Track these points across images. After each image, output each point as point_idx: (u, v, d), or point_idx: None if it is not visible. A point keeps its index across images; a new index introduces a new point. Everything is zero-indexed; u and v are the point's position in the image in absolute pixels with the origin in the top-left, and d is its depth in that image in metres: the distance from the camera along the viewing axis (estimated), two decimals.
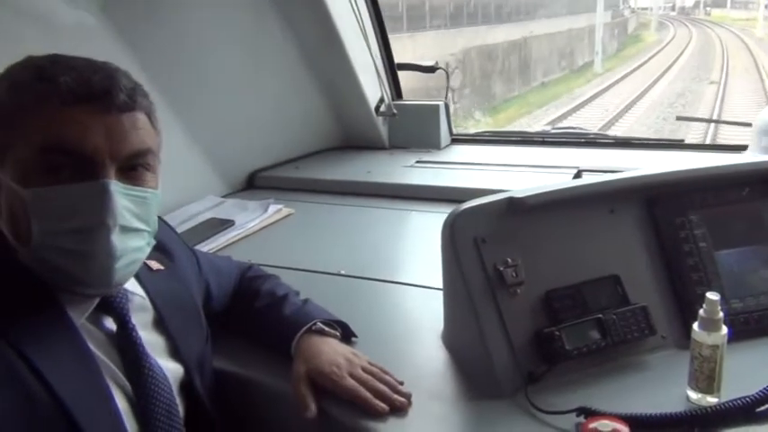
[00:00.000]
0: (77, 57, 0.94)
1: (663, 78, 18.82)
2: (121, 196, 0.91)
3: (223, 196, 2.31)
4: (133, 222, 0.93)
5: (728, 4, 47.65)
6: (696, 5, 55.41)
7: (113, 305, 1.00)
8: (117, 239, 0.90)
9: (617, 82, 18.65)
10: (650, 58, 23.43)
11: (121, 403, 0.95)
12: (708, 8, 52.08)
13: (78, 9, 1.81)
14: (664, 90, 17.21)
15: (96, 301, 0.97)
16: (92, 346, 0.94)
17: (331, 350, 1.18)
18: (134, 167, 0.94)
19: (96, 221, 0.89)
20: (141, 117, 0.95)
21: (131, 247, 0.94)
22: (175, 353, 1.09)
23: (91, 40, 1.83)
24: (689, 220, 1.30)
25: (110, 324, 0.99)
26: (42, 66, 0.91)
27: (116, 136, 0.91)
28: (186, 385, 1.10)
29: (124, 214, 0.91)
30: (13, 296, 0.90)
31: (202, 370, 1.14)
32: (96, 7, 1.85)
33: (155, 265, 1.13)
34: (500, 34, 18.68)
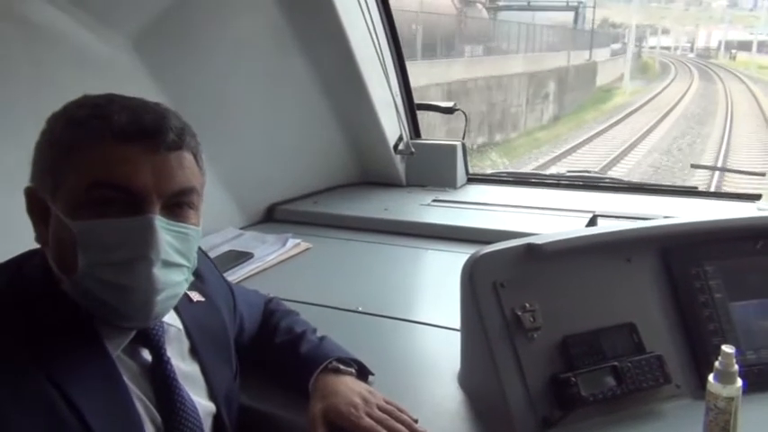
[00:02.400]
0: (132, 97, 0.99)
1: None
2: (165, 231, 0.94)
3: (242, 228, 2.34)
4: (175, 257, 0.96)
5: (754, 48, 41.55)
6: (720, 47, 49.25)
7: (150, 337, 1.02)
8: (159, 273, 0.94)
9: None
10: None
11: None
12: (733, 51, 46.55)
13: (111, 46, 1.87)
14: None
15: (133, 332, 1.00)
16: (126, 378, 0.97)
17: (347, 389, 1.20)
18: (178, 204, 0.98)
19: (140, 255, 0.92)
20: (188, 156, 0.99)
21: (172, 281, 0.97)
22: (206, 386, 1.11)
23: (122, 76, 1.89)
24: (704, 270, 1.32)
25: (145, 355, 1.02)
26: (98, 104, 0.96)
27: (163, 174, 0.94)
28: (215, 420, 1.12)
29: (167, 249, 0.94)
30: (54, 325, 0.93)
31: (230, 405, 1.16)
32: (129, 44, 1.91)
33: (195, 296, 1.15)
34: None
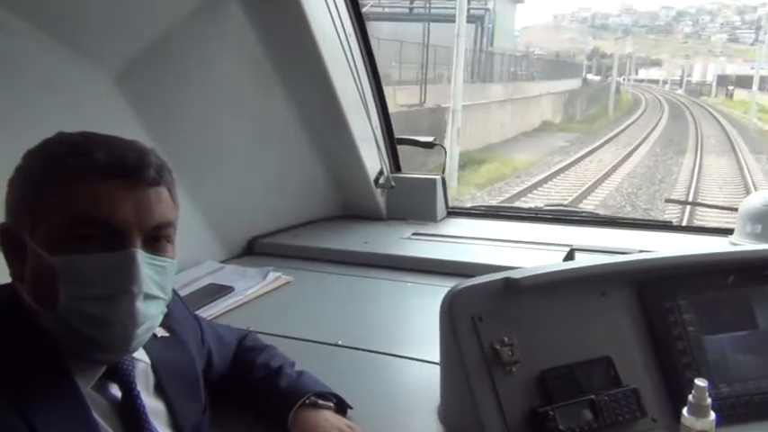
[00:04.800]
0: (107, 134, 1.00)
1: None
2: (146, 265, 0.95)
3: (222, 262, 2.34)
4: (154, 290, 0.97)
5: (755, 85, 31.55)
6: (721, 81, 41.50)
7: (120, 372, 1.02)
8: (141, 306, 0.94)
9: None
10: None
11: None
12: (730, 87, 39.80)
13: (94, 80, 1.89)
14: None
15: (104, 368, 1.00)
16: (95, 414, 0.96)
17: (327, 424, 1.21)
18: (157, 238, 0.99)
19: (124, 289, 0.93)
20: (165, 192, 1.00)
21: (151, 314, 0.97)
22: (174, 422, 1.10)
23: (104, 110, 1.91)
24: (678, 304, 1.35)
25: (115, 391, 1.01)
26: (77, 141, 0.97)
27: (144, 209, 0.96)
28: None
29: (148, 282, 0.95)
30: (25, 360, 0.93)
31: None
32: (111, 79, 1.93)
33: (159, 331, 1.14)
34: None
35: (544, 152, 18.57)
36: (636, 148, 18.97)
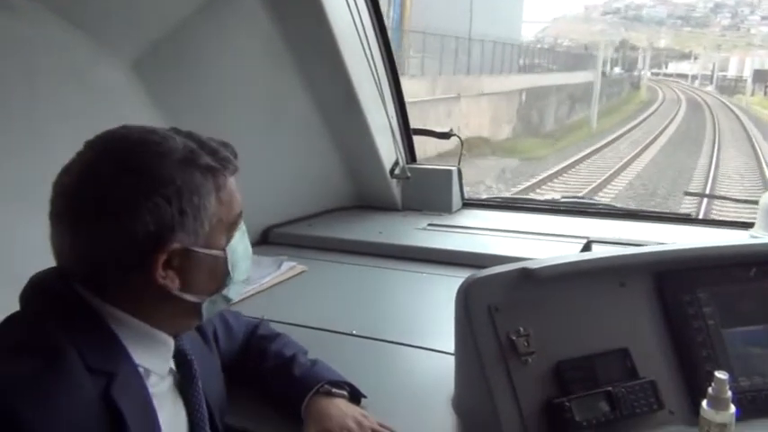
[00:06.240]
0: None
1: None
2: None
3: None
4: None
5: None
6: (758, 77, 36.40)
7: (183, 351, 1.09)
8: None
9: None
10: None
11: None
12: None
13: (110, 67, 1.89)
14: None
15: (172, 349, 1.05)
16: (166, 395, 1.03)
17: (340, 413, 1.22)
18: None
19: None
20: None
21: None
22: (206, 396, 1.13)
23: (120, 97, 1.91)
24: (697, 297, 1.33)
25: (171, 365, 1.07)
26: (203, 142, 1.01)
27: None
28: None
29: None
30: (103, 351, 0.94)
31: (222, 413, 1.18)
32: (128, 66, 1.93)
33: None
34: None
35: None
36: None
